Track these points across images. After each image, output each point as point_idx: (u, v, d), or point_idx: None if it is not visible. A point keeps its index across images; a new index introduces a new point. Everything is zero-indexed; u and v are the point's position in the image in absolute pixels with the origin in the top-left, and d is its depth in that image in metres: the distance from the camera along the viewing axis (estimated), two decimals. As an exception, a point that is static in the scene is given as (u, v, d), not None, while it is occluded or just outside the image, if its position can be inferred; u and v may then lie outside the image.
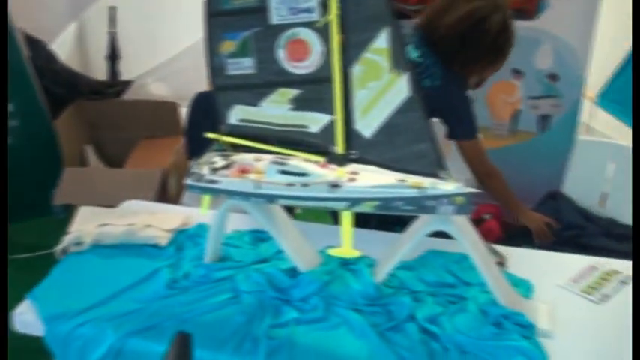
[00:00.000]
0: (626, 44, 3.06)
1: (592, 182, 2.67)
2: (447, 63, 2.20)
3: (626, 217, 2.58)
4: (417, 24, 2.27)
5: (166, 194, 3.19)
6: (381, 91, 1.51)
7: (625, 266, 1.94)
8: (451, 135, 2.31)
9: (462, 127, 2.29)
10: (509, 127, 3.18)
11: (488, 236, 2.95)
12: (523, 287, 1.78)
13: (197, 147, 1.77)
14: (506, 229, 2.94)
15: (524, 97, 3.10)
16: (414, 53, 2.18)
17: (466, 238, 1.59)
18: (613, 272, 1.90)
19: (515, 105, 3.13)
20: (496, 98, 3.11)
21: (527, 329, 1.59)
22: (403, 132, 1.53)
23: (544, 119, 3.13)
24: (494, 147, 3.18)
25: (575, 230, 2.56)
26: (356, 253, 1.76)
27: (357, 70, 1.51)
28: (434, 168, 1.53)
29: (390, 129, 1.53)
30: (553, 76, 3.03)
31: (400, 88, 1.49)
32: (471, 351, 1.54)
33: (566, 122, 3.08)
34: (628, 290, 1.82)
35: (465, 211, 1.51)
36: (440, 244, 1.91)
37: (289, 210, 1.86)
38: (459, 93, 2.25)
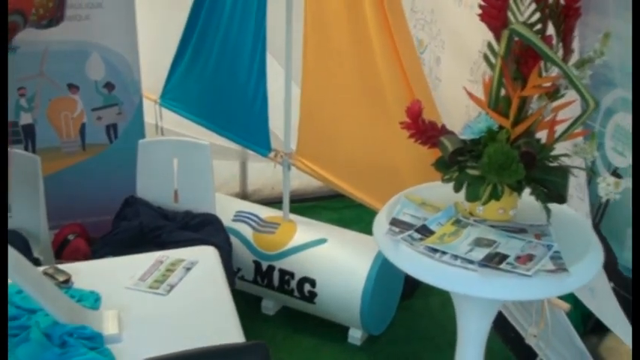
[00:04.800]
0: (172, 47, 3.26)
1: (163, 181, 2.77)
2: None
3: (200, 207, 2.73)
4: None
5: None
6: None
7: (189, 253, 2.06)
8: None
9: None
10: (80, 143, 3.14)
11: (77, 254, 2.90)
12: (90, 300, 1.78)
13: None
14: (92, 243, 2.91)
15: (86, 110, 3.09)
16: None
17: (9, 268, 1.52)
18: (178, 262, 2.00)
19: (79, 119, 3.10)
20: (58, 115, 3.04)
21: (93, 340, 1.60)
22: None
23: (111, 128, 3.16)
24: (68, 165, 3.12)
25: (154, 231, 2.63)
26: None
27: None
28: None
29: None
30: (109, 85, 3.06)
31: None
32: (36, 380, 1.49)
33: (132, 128, 3.16)
34: (191, 275, 1.94)
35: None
36: None
37: None
38: None
